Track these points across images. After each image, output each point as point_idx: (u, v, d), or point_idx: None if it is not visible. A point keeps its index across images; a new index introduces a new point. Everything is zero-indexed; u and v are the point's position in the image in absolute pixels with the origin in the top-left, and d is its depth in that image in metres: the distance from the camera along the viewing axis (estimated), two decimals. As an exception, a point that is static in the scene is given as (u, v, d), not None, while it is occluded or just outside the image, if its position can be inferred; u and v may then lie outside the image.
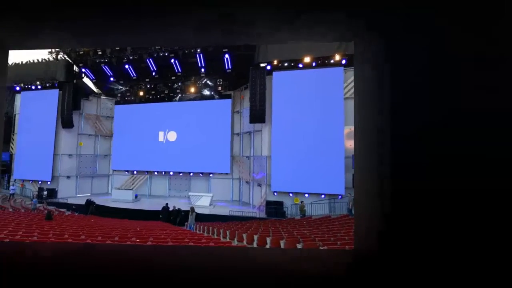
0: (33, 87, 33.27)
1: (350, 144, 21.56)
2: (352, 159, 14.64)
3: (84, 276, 2.42)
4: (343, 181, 21.80)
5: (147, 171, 34.38)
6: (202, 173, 32.31)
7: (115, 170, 35.98)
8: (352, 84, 20.90)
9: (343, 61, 22.66)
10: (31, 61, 33.16)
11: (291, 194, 23.89)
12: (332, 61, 23.07)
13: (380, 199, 2.51)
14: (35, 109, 32.34)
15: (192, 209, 21.45)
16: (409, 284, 2.13)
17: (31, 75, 32.80)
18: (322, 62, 23.33)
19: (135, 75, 32.59)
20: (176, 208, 24.04)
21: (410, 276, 2.12)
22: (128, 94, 35.90)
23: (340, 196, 22.39)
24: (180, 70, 30.87)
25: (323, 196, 22.87)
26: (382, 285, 2.24)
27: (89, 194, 32.92)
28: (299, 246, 12.68)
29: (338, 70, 22.86)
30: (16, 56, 34.34)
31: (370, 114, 2.74)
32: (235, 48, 26.22)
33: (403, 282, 2.15)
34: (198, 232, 19.01)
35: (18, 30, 2.87)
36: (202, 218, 23.02)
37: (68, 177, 32.81)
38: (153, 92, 34.59)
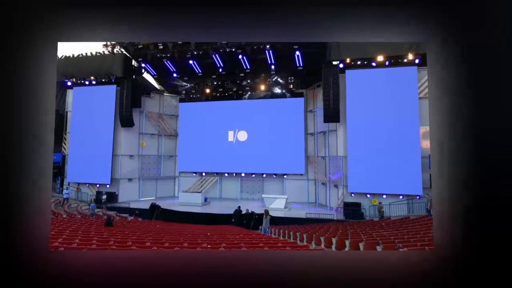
0: (87, 83, 33.81)
1: (426, 144, 23.15)
2: (428, 159, 17.54)
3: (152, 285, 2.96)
4: (420, 181, 23.47)
5: (216, 173, 35.98)
6: (275, 174, 33.98)
7: (181, 172, 37.48)
8: (426, 84, 22.60)
9: (416, 61, 24.18)
10: (83, 54, 33.70)
11: (368, 195, 25.61)
12: (405, 60, 24.62)
13: (458, 199, 2.79)
14: (90, 106, 33.25)
15: (266, 212, 21.95)
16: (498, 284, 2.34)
17: (84, 70, 33.49)
18: (395, 61, 24.97)
19: (200, 71, 33.60)
20: (249, 211, 25.15)
21: (498, 277, 2.31)
22: (193, 91, 37.06)
23: (418, 197, 23.92)
24: (248, 67, 31.95)
25: (401, 197, 24.54)
26: (466, 284, 2.64)
27: (153, 198, 34.62)
28: (378, 248, 13.19)
29: (412, 69, 24.40)
30: (66, 49, 34.76)
31: (446, 115, 2.92)
32: (305, 45, 27.24)
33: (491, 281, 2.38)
34: (273, 236, 19.74)
35: (69, 20, 3.06)
36: (277, 221, 23.96)
37: (130, 179, 33.83)
38: (220, 90, 35.74)
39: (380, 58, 25.26)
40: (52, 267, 3.54)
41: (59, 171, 34.95)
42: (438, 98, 3.24)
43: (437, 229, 3.37)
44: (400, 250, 11.99)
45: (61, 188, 34.40)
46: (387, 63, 25.32)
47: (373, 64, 25.63)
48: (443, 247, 3.20)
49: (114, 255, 4.91)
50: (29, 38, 3.45)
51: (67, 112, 35.37)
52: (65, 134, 35.27)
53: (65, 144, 35.30)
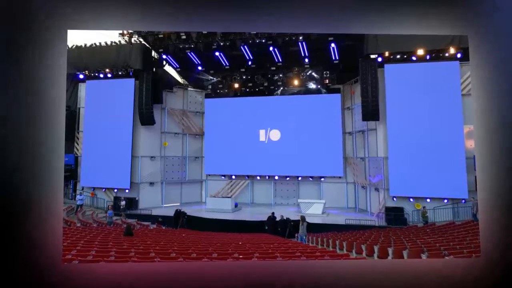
0: (101, 75, 33.80)
1: (470, 144, 23.92)
2: (473, 160, 19.62)
3: None
4: (465, 184, 24.30)
5: (247, 176, 36.66)
6: (311, 177, 34.82)
7: (209, 175, 38.01)
8: (469, 80, 24.30)
9: (458, 55, 24.87)
10: (97, 44, 33.30)
11: (411, 199, 26.53)
12: (446, 54, 25.43)
13: (505, 204, 3.07)
14: (105, 101, 33.34)
15: (303, 218, 22.44)
16: None
17: (98, 61, 33.38)
18: (436, 55, 25.83)
19: (227, 64, 34.15)
20: (284, 218, 25.67)
21: None
22: (220, 86, 37.52)
23: (463, 201, 24.79)
24: (280, 60, 32.50)
25: (445, 200, 25.53)
26: None
27: (178, 204, 34.95)
28: (423, 256, 13.89)
29: (454, 64, 25.18)
30: (78, 38, 33.29)
31: (491, 114, 3.13)
32: (341, 37, 28.01)
33: None
34: (310, 244, 20.82)
35: (80, 7, 3.25)
36: (314, 228, 24.65)
37: (152, 183, 34.06)
38: (250, 84, 36.39)
39: (420, 52, 26.11)
40: (66, 281, 3.77)
41: (71, 174, 34.79)
42: (483, 97, 3.51)
43: (484, 235, 3.68)
44: (446, 258, 12.88)
45: (74, 194, 34.52)
46: (427, 57, 26.14)
47: (413, 58, 26.49)
48: (490, 254, 3.56)
49: (135, 268, 5.23)
50: (36, 26, 3.56)
51: (79, 109, 35.61)
52: (78, 133, 35.55)
53: (77, 144, 35.42)
